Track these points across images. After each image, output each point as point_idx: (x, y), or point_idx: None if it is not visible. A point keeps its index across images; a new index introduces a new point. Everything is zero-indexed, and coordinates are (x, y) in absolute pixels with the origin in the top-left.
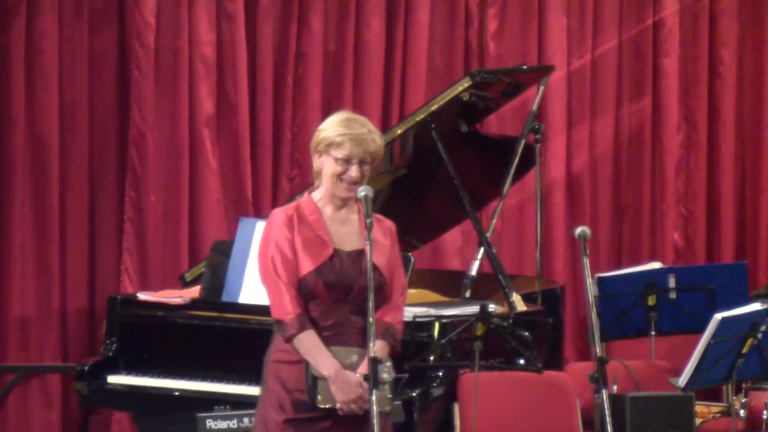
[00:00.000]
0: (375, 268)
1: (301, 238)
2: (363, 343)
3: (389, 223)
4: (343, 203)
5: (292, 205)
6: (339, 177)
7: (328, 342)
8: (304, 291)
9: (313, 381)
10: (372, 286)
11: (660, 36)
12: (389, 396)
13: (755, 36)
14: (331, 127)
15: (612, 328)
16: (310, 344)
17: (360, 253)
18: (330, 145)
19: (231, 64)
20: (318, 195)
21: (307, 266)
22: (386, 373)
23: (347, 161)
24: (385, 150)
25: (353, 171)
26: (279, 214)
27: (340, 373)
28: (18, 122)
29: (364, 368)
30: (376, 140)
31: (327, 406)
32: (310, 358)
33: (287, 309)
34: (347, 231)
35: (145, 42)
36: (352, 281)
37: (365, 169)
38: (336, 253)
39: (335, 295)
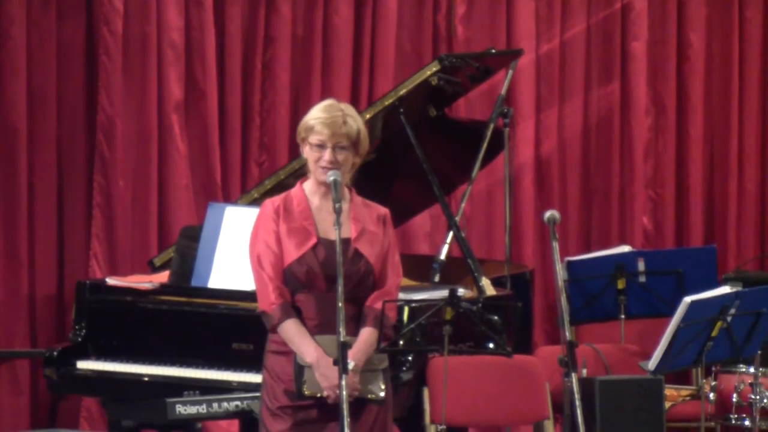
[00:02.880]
0: (360, 255)
1: (286, 228)
2: (354, 332)
3: (383, 210)
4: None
5: (282, 195)
6: (316, 162)
7: (319, 331)
8: (290, 281)
9: (299, 370)
10: (341, 271)
11: (628, 20)
12: (383, 385)
13: (723, 20)
14: (310, 113)
15: (581, 312)
16: (293, 332)
17: (346, 242)
18: (307, 131)
19: (199, 50)
20: (308, 185)
21: (291, 255)
22: (378, 361)
23: (321, 146)
24: None
25: (327, 155)
26: (267, 206)
27: (323, 360)
28: None
29: (352, 355)
30: (350, 123)
31: (315, 395)
32: (293, 347)
33: (270, 299)
34: (335, 220)
35: (113, 28)
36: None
37: (342, 153)
38: (320, 242)
39: (322, 284)
